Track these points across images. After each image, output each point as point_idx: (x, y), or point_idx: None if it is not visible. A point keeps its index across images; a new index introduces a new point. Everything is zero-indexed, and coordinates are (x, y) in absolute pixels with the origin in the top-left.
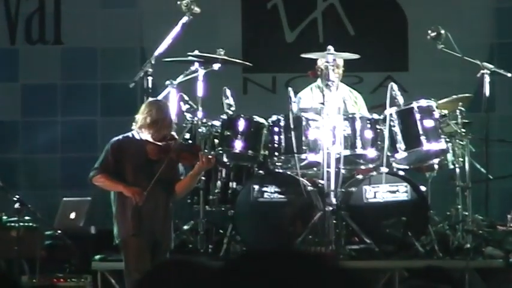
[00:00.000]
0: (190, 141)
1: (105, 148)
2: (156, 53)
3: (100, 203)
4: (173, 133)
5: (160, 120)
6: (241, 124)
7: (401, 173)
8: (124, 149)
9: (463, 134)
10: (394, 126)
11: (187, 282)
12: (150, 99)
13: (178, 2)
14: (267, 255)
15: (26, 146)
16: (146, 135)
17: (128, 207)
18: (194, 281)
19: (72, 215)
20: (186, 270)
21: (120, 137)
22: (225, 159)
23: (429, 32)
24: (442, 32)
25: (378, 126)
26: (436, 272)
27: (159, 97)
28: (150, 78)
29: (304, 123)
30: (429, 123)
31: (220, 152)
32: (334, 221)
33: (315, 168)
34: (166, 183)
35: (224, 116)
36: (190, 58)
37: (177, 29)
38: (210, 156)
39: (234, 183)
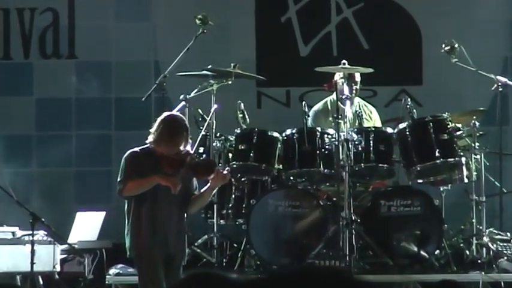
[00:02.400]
0: (204, 156)
1: (124, 161)
2: (170, 67)
3: (115, 217)
4: (188, 147)
5: (175, 135)
6: (255, 138)
7: (415, 186)
8: (141, 162)
9: (477, 147)
10: (408, 139)
11: None
12: (165, 113)
13: (194, 17)
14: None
15: (40, 160)
16: (162, 149)
17: (142, 220)
18: None
19: (87, 229)
20: (213, 284)
21: (137, 149)
22: (239, 173)
23: (443, 45)
24: (456, 45)
25: (391, 140)
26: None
27: (174, 111)
28: (163, 92)
29: (318, 136)
30: (443, 136)
31: (235, 166)
32: (349, 235)
33: (328, 183)
34: (181, 197)
35: (238, 130)
36: (204, 72)
37: (191, 43)
38: (225, 172)
39: (248, 197)
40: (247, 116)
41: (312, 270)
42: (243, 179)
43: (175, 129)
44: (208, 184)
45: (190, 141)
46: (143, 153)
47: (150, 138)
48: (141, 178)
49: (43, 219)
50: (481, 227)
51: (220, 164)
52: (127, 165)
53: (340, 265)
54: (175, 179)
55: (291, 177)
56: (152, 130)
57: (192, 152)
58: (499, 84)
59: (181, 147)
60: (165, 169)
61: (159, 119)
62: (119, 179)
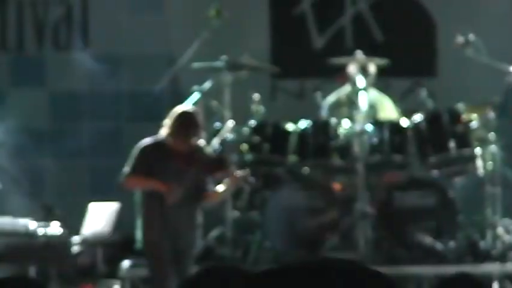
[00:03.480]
0: (219, 147)
1: (135, 151)
2: (184, 59)
3: (128, 209)
4: (202, 142)
5: (189, 131)
6: (270, 130)
7: (430, 178)
8: (153, 154)
9: (492, 139)
10: (422, 131)
11: None
12: (181, 107)
13: (207, 8)
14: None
15: (53, 153)
16: (176, 143)
17: (154, 213)
18: None
19: (100, 221)
20: (227, 277)
21: (149, 140)
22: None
23: (458, 37)
24: (471, 37)
25: (406, 132)
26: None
27: (186, 103)
28: (177, 85)
29: (332, 128)
30: (458, 128)
31: (249, 158)
32: (363, 227)
33: (343, 175)
34: (194, 193)
35: (252, 122)
36: (217, 64)
37: (205, 36)
38: (241, 173)
39: (263, 190)
40: (261, 108)
41: (329, 262)
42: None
43: (189, 125)
44: (225, 187)
45: (204, 135)
46: (155, 144)
47: (164, 132)
48: (145, 178)
49: (57, 211)
50: (495, 219)
51: (234, 156)
52: (136, 158)
53: (354, 257)
54: (173, 192)
55: (305, 169)
56: (166, 124)
57: (205, 146)
58: None
59: (196, 142)
60: (178, 164)
61: (173, 114)
62: (124, 169)
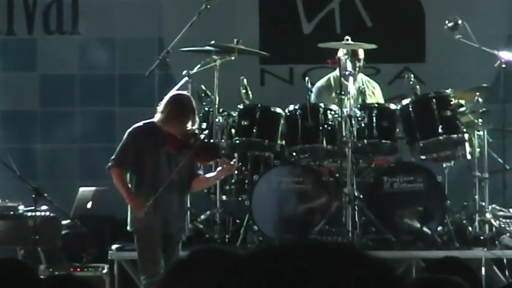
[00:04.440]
0: (207, 132)
1: (126, 136)
2: (173, 42)
3: (118, 193)
4: (195, 128)
5: (182, 117)
6: (258, 114)
7: (418, 163)
8: (145, 138)
9: (480, 124)
10: (411, 116)
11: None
12: (173, 93)
13: None
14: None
15: (44, 136)
16: (169, 129)
17: (143, 197)
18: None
19: (89, 205)
20: (217, 259)
21: (142, 124)
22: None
23: (446, 22)
24: (459, 22)
25: (395, 116)
26: (453, 264)
27: (176, 87)
28: (167, 68)
29: (321, 112)
30: (446, 113)
31: (237, 141)
32: (351, 211)
33: (331, 159)
34: (183, 178)
35: (241, 106)
36: (207, 48)
37: (194, 19)
38: (231, 163)
39: (251, 173)
40: (250, 92)
41: (319, 244)
42: (243, 168)
43: (182, 111)
44: (214, 174)
45: (197, 120)
46: (147, 129)
47: (157, 117)
48: (123, 179)
49: (46, 195)
50: (483, 204)
51: (223, 140)
52: (125, 145)
53: (343, 241)
54: (141, 203)
55: (294, 153)
56: (159, 109)
57: (197, 132)
58: (502, 60)
59: (188, 128)
60: (169, 149)
61: (166, 99)
62: (113, 156)
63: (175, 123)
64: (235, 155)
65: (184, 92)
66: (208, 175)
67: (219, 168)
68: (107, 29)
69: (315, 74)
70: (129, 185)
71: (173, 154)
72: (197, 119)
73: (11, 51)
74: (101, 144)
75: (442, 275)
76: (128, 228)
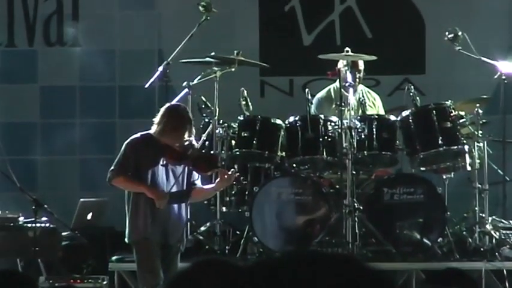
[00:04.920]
0: (208, 151)
1: (124, 147)
2: (173, 54)
3: (118, 205)
4: (192, 139)
5: (178, 127)
6: (259, 125)
7: (418, 174)
8: (143, 150)
9: (480, 135)
10: (411, 127)
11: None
12: (169, 104)
13: (197, 4)
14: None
15: (44, 148)
16: (166, 140)
17: (141, 208)
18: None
19: (89, 216)
20: (217, 270)
21: (139, 136)
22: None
23: (446, 33)
24: (459, 33)
25: (395, 128)
26: (454, 275)
27: (176, 98)
28: (167, 80)
29: (321, 124)
30: (446, 124)
31: (237, 153)
32: (351, 223)
33: (331, 170)
34: (181, 188)
35: (241, 117)
36: (207, 59)
37: (194, 30)
38: (230, 173)
39: (251, 185)
40: (250, 103)
41: (319, 255)
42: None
43: (179, 122)
44: (213, 185)
45: (194, 131)
46: (145, 140)
47: (154, 129)
48: (133, 179)
49: (46, 206)
50: (483, 215)
51: (223, 151)
52: (125, 156)
53: (343, 252)
54: (162, 194)
55: (294, 165)
56: (156, 121)
57: (196, 143)
58: (502, 72)
59: (185, 139)
60: (167, 160)
61: (162, 111)
62: (112, 167)
63: (172, 134)
64: (235, 166)
65: (180, 103)
66: (206, 186)
67: (218, 179)
68: (106, 41)
69: (315, 85)
70: (129, 196)
71: (171, 165)
72: (193, 129)
73: (12, 63)
74: (101, 156)
75: (444, 286)
76: (126, 240)
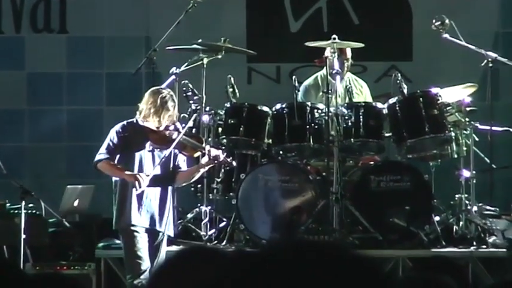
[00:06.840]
0: (194, 132)
1: (111, 133)
2: (160, 41)
3: (105, 191)
4: (177, 122)
5: (163, 110)
6: (245, 112)
7: (405, 162)
8: (129, 135)
9: (467, 123)
10: (398, 115)
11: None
12: (153, 88)
13: None
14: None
15: (31, 135)
16: (150, 124)
17: (128, 195)
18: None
19: (76, 203)
20: (204, 258)
21: (125, 122)
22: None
23: (433, 21)
24: (447, 21)
25: (382, 115)
26: (441, 263)
27: (163, 85)
28: (154, 67)
29: (308, 111)
30: (433, 112)
31: (224, 140)
32: (338, 210)
33: (318, 158)
34: (167, 172)
35: (228, 105)
36: (194, 46)
37: (181, 17)
38: (216, 154)
39: (238, 172)
40: (237, 90)
41: (308, 244)
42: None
43: (163, 105)
44: (199, 164)
45: (178, 114)
46: (130, 126)
47: (138, 114)
48: (115, 164)
49: (33, 193)
50: (470, 203)
51: (209, 138)
52: (111, 141)
53: (329, 240)
54: (141, 175)
55: (281, 152)
56: (140, 105)
57: (180, 127)
58: (489, 59)
59: (170, 122)
60: (154, 144)
61: (146, 94)
62: (99, 152)
63: (157, 118)
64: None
65: (162, 87)
66: (193, 166)
67: (202, 158)
68: (94, 28)
69: (302, 72)
70: (116, 183)
71: (157, 149)
72: (177, 112)
73: None
74: (89, 143)
75: (430, 273)
76: (113, 226)
